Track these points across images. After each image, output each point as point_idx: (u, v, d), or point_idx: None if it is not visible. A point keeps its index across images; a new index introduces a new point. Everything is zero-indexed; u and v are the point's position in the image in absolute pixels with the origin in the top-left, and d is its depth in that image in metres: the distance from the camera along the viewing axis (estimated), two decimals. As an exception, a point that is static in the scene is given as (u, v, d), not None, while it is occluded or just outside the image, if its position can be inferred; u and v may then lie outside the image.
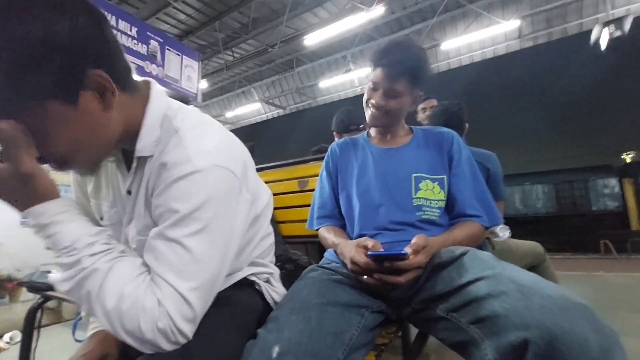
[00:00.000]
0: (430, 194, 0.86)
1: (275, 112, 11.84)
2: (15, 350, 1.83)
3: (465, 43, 7.77)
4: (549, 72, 7.19)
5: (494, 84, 7.79)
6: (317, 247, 1.62)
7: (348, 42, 8.06)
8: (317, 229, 0.98)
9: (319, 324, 0.58)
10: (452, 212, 0.88)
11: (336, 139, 2.05)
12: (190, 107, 0.63)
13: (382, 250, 0.71)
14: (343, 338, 0.59)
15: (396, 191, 0.86)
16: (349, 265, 0.71)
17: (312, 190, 1.40)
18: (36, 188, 0.46)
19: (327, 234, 0.91)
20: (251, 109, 11.42)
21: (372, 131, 1.03)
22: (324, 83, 9.39)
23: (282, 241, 1.47)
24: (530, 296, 0.52)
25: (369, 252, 0.67)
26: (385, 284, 0.65)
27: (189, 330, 0.47)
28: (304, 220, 1.11)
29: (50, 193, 0.48)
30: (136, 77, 0.57)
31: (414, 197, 0.85)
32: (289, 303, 0.66)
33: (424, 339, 0.76)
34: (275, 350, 0.52)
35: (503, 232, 1.62)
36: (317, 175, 1.45)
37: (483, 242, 1.49)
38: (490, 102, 7.50)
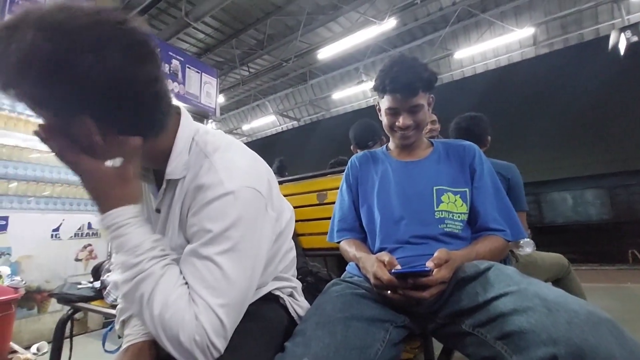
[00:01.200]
0: (452, 206, 0.86)
1: (289, 124, 12.02)
2: (47, 360, 1.90)
3: (479, 52, 7.72)
4: (567, 77, 7.02)
5: (511, 91, 7.60)
6: (336, 260, 1.63)
7: (360, 54, 8.16)
8: (338, 242, 0.99)
9: (345, 339, 0.59)
10: (475, 226, 0.87)
11: (354, 151, 2.09)
12: (217, 131, 0.68)
13: (399, 266, 0.72)
14: (369, 353, 0.59)
15: (417, 204, 0.87)
16: (372, 281, 0.72)
17: (331, 203, 1.42)
18: (126, 192, 0.53)
19: (349, 248, 0.92)
20: (266, 121, 11.64)
21: (392, 144, 1.04)
22: (337, 95, 9.51)
23: (302, 254, 1.48)
24: (556, 311, 0.52)
25: (392, 270, 0.68)
26: (410, 299, 0.66)
27: (221, 345, 0.49)
28: (323, 233, 1.12)
29: (134, 199, 0.54)
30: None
31: (436, 209, 0.85)
32: (314, 317, 0.67)
33: (449, 354, 0.75)
34: (304, 363, 0.54)
35: (527, 246, 1.58)
36: (335, 188, 1.47)
37: (507, 256, 1.47)
38: (507, 109, 7.32)
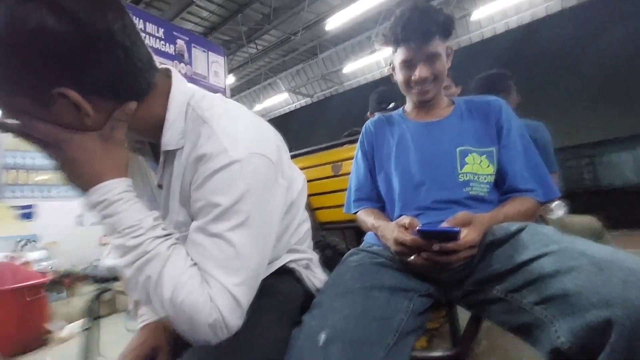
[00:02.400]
0: (478, 168, 0.78)
1: (302, 102, 11.81)
2: (77, 341, 2.02)
3: (499, 9, 7.14)
4: (598, 31, 6.36)
5: (535, 51, 7.01)
6: (354, 233, 1.59)
7: (371, 22, 7.75)
8: (355, 213, 0.94)
9: (365, 310, 0.56)
10: (503, 187, 0.80)
11: (370, 117, 2.02)
12: (215, 94, 0.61)
13: (421, 226, 0.66)
14: (391, 323, 0.55)
15: (439, 167, 0.80)
16: (393, 247, 0.67)
17: (347, 174, 1.35)
18: (113, 161, 0.47)
19: (366, 217, 0.87)
20: (279, 99, 11.48)
21: (408, 106, 0.96)
22: (349, 67, 9.16)
23: (319, 228, 1.45)
24: (608, 270, 0.46)
25: (418, 228, 0.62)
26: (435, 264, 0.61)
27: (237, 325, 0.46)
28: (340, 206, 1.08)
29: (122, 171, 0.48)
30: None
31: (460, 172, 0.78)
32: (332, 288, 0.64)
33: (478, 322, 0.70)
34: (322, 337, 0.50)
35: (558, 209, 1.48)
36: (351, 159, 1.40)
37: (536, 221, 1.38)
38: (531, 70, 6.79)
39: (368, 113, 2.04)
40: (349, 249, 1.00)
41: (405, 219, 0.68)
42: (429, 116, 0.90)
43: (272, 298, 0.58)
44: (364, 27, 8.05)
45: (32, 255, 2.16)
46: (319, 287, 0.70)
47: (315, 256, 0.78)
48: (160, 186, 0.58)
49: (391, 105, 1.91)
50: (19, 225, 2.30)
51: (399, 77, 0.89)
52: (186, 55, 3.81)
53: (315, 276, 0.73)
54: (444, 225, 0.64)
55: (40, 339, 2.01)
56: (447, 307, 0.77)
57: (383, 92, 2.01)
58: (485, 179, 0.78)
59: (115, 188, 0.46)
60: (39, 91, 0.40)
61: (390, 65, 0.93)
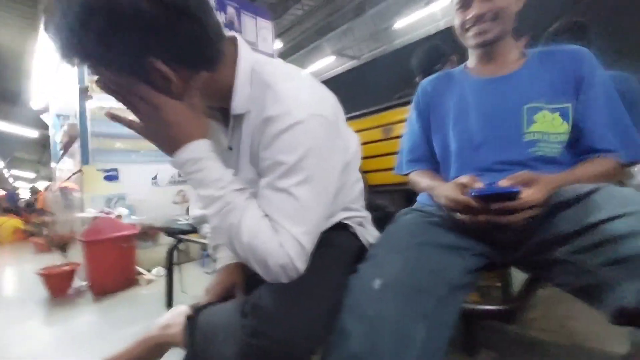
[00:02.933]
0: (548, 126, 0.72)
1: (348, 64, 11.37)
2: (162, 281, 2.38)
3: None
4: None
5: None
6: (404, 195, 1.59)
7: (427, -32, 6.98)
8: (407, 174, 0.94)
9: (418, 262, 0.58)
10: (579, 147, 0.73)
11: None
12: (276, 60, 0.64)
13: (483, 187, 0.64)
14: (443, 276, 0.57)
15: (502, 126, 0.75)
16: (445, 206, 0.67)
17: (397, 137, 1.34)
18: (199, 125, 0.54)
19: (420, 178, 0.86)
20: (326, 63, 11.18)
21: (471, 60, 0.88)
22: (400, 23, 8.46)
23: (368, 190, 1.48)
24: None
25: (472, 191, 0.60)
26: (493, 224, 0.59)
27: (303, 267, 0.53)
28: (390, 169, 1.08)
29: (206, 133, 0.55)
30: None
31: (526, 131, 0.73)
32: (386, 243, 0.67)
33: (534, 284, 0.70)
34: (377, 282, 0.55)
35: (641, 174, 1.31)
36: (401, 122, 1.37)
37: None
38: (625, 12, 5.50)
39: (417, 79, 1.84)
40: (397, 211, 1.01)
41: (463, 178, 0.65)
42: (494, 71, 0.81)
43: (330, 248, 0.64)
44: (418, -25, 7.29)
45: (121, 210, 2.54)
46: (372, 243, 0.74)
47: (368, 215, 0.82)
48: (230, 148, 0.65)
49: (437, 66, 1.70)
50: (108, 185, 2.69)
51: (455, 22, 0.81)
52: (236, 22, 3.86)
53: (369, 233, 0.77)
54: (502, 183, 0.60)
55: (133, 280, 2.41)
56: (501, 268, 0.76)
57: (432, 48, 1.76)
58: (556, 137, 0.72)
59: (202, 147, 0.53)
60: (135, 62, 0.47)
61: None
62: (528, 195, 0.57)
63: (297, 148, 0.51)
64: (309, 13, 8.15)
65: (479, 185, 0.64)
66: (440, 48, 1.75)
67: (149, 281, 2.43)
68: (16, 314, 2.10)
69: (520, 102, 0.74)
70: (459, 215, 0.64)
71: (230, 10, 3.80)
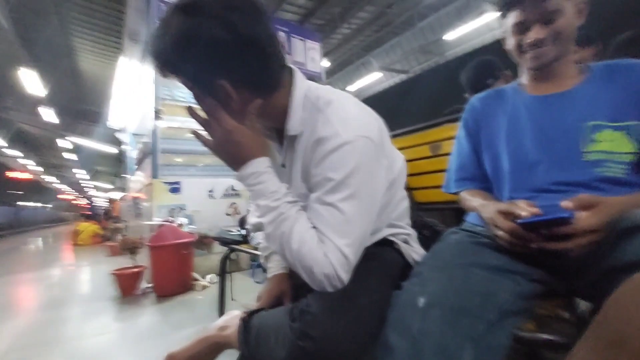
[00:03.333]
0: (612, 146, 0.67)
1: (397, 78, 11.30)
2: (215, 288, 2.54)
3: None
4: None
5: None
6: (454, 213, 1.53)
7: (480, -22, 6.77)
8: (456, 193, 0.92)
9: (465, 283, 0.57)
10: None
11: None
12: (326, 86, 0.70)
13: (540, 214, 0.59)
14: (494, 300, 0.55)
15: (560, 144, 0.71)
16: (491, 229, 0.64)
17: (446, 154, 1.31)
18: (259, 144, 0.62)
19: (471, 197, 0.83)
20: (372, 79, 11.25)
21: (525, 77, 0.84)
22: (452, 34, 8.24)
23: (416, 208, 1.46)
24: None
25: (519, 220, 0.58)
26: (547, 252, 0.56)
27: (346, 278, 0.55)
28: (438, 187, 1.06)
29: (266, 151, 0.63)
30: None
31: (586, 151, 0.68)
32: (431, 261, 0.66)
33: (602, 317, 0.63)
34: (422, 300, 0.55)
35: None
36: (450, 138, 1.34)
37: None
38: None
39: (467, 95, 1.73)
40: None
41: (512, 207, 0.61)
42: (550, 87, 0.77)
43: (375, 262, 0.66)
44: (470, -14, 7.10)
45: (182, 220, 2.80)
46: (417, 260, 0.74)
47: (413, 232, 0.82)
48: (283, 165, 0.71)
49: (488, 81, 1.61)
50: (171, 196, 2.98)
51: (510, 42, 0.79)
52: (286, 45, 4.11)
53: (414, 250, 0.77)
54: (563, 205, 0.56)
55: (189, 285, 2.60)
56: (565, 297, 0.70)
57: (481, 63, 1.67)
58: (621, 157, 0.66)
59: (263, 163, 0.60)
60: (207, 80, 0.56)
61: (503, 34, 0.82)
62: (583, 219, 0.53)
63: (345, 166, 0.56)
64: (356, 31, 8.33)
65: (535, 210, 0.59)
66: (493, 62, 1.67)
67: (204, 287, 2.61)
68: (92, 309, 2.39)
69: (580, 120, 0.70)
70: (506, 242, 0.61)
71: (282, 34, 4.07)
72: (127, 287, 2.58)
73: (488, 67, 1.67)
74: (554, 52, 0.73)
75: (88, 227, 7.68)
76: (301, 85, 0.66)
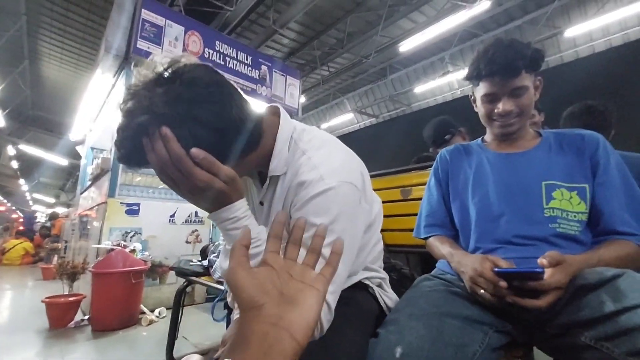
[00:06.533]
0: (566, 204, 0.75)
1: (367, 121, 11.92)
2: (162, 323, 2.30)
3: (599, 26, 6.39)
4: None
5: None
6: (418, 257, 1.57)
7: (446, 42, 7.59)
8: (425, 238, 0.96)
9: (440, 334, 0.57)
10: (598, 228, 0.74)
11: (434, 153, 1.98)
12: (312, 127, 0.71)
13: (504, 265, 0.64)
14: (466, 352, 0.56)
15: (522, 199, 0.78)
16: (469, 279, 0.67)
17: (416, 199, 1.36)
18: (237, 188, 0.57)
19: (440, 244, 0.87)
20: (344, 119, 11.78)
21: (489, 136, 0.95)
22: (420, 88, 9.04)
23: (386, 250, 1.47)
24: None
25: (495, 269, 0.62)
26: (516, 306, 0.59)
27: (327, 326, 0.54)
28: (407, 230, 1.10)
29: (242, 193, 0.59)
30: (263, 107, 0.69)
31: (546, 206, 0.75)
32: (407, 309, 0.66)
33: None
34: (398, 350, 0.54)
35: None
36: (419, 185, 1.41)
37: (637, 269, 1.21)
38: (636, 93, 5.82)
39: (431, 150, 2.01)
40: (412, 273, 1.01)
41: (500, 262, 0.65)
42: (512, 147, 0.87)
43: (351, 308, 0.64)
44: (438, 48, 7.92)
45: (135, 245, 2.58)
46: (390, 306, 0.74)
47: (386, 276, 0.82)
48: (261, 203, 0.70)
49: (446, 137, 1.86)
50: (127, 218, 2.76)
51: (480, 110, 0.88)
52: (268, 79, 4.23)
53: (387, 295, 0.77)
54: (540, 261, 0.61)
55: (134, 319, 2.34)
56: (525, 348, 0.73)
57: (441, 122, 1.94)
58: (575, 216, 0.74)
59: (241, 208, 0.57)
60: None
61: (471, 96, 0.92)
62: (551, 276, 0.57)
63: (328, 212, 0.55)
64: (334, 74, 8.82)
65: (504, 264, 0.65)
66: (448, 121, 1.94)
67: (151, 321, 2.36)
68: (11, 342, 2.05)
69: (538, 178, 0.78)
70: (482, 292, 0.64)
71: (264, 68, 4.20)
72: (58, 318, 2.26)
73: (445, 125, 1.92)
74: (518, 125, 0.84)
75: (18, 244, 6.77)
76: (287, 128, 0.66)
